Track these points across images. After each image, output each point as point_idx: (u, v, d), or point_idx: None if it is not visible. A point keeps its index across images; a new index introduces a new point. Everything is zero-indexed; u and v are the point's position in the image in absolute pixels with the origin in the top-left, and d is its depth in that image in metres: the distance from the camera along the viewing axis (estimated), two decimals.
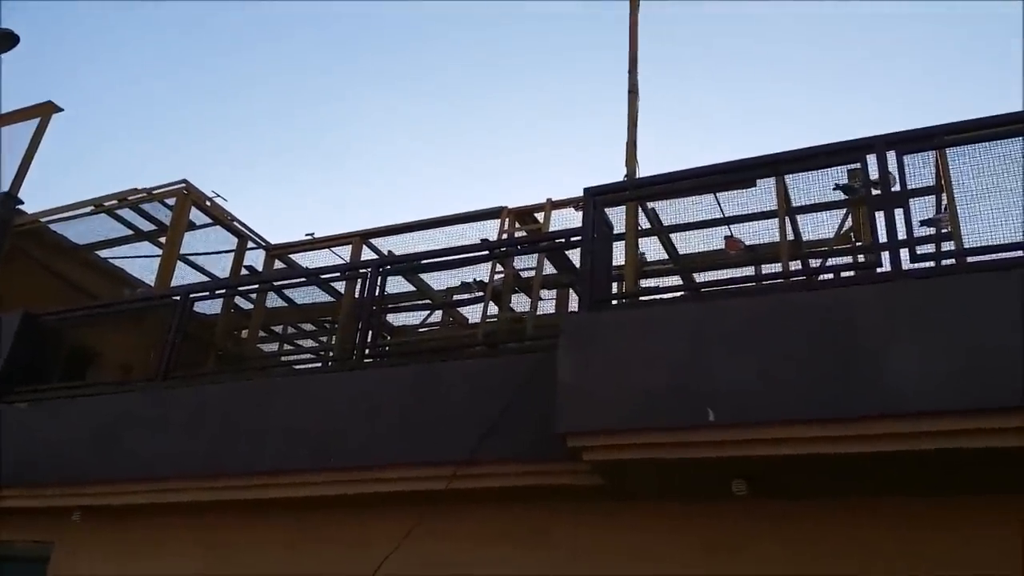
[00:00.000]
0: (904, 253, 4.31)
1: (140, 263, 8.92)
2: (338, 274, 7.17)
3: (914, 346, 3.85)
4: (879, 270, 4.51)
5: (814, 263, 6.51)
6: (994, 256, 4.27)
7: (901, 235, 4.35)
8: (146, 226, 8.57)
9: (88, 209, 8.38)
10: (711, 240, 6.52)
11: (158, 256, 8.38)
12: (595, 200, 5.13)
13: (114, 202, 8.30)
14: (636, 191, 5.36)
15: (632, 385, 4.36)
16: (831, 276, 5.18)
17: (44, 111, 8.73)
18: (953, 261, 4.53)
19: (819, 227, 6.50)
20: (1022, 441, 3.62)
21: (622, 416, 4.32)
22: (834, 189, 5.57)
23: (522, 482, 4.80)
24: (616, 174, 6.04)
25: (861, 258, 6.28)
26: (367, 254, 8.22)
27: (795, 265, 6.29)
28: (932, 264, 4.37)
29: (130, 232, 8.64)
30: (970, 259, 4.34)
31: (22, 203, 8.44)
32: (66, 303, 7.69)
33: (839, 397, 3.89)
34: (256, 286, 7.78)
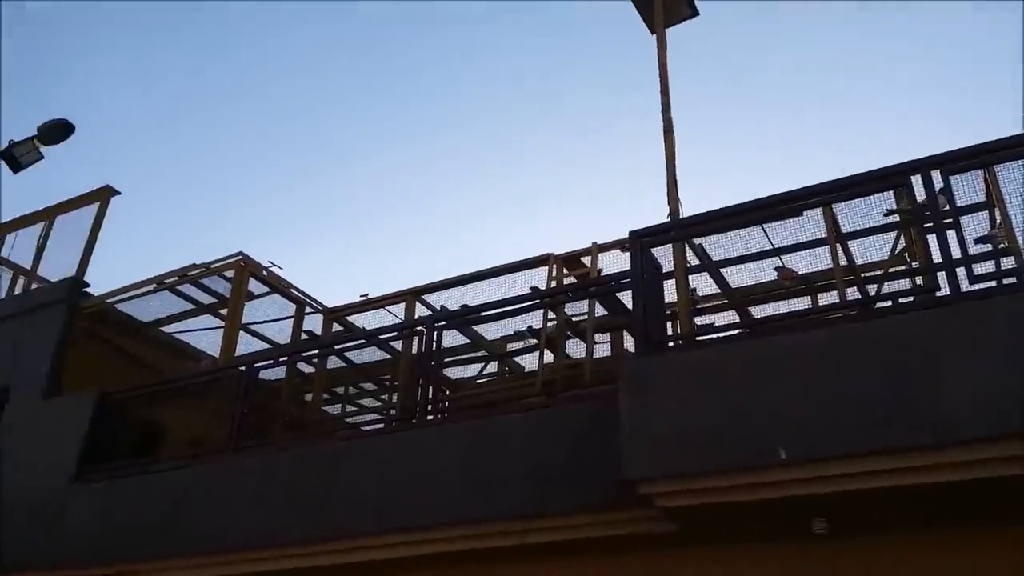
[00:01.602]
0: (961, 272, 4.26)
1: (203, 336, 9.18)
2: (395, 333, 7.28)
3: (974, 370, 3.77)
4: (938, 294, 4.44)
5: (870, 287, 6.42)
6: None
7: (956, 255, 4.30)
8: (206, 299, 8.83)
9: (150, 287, 8.67)
10: (762, 272, 6.49)
11: (220, 328, 8.61)
12: (641, 242, 5.17)
13: (175, 279, 8.58)
14: (682, 231, 5.38)
15: (697, 427, 4.35)
16: (889, 303, 5.11)
17: (102, 195, 9.11)
18: (1014, 279, 4.44)
19: (872, 250, 6.43)
20: None
21: (690, 460, 4.30)
22: (885, 215, 5.51)
23: (593, 533, 4.78)
24: (658, 208, 6.07)
25: (919, 280, 6.18)
26: (420, 310, 8.34)
27: (851, 290, 6.22)
28: (993, 283, 4.30)
29: (192, 307, 8.91)
30: None
31: (88, 286, 8.78)
32: (135, 380, 7.94)
33: (906, 427, 3.83)
34: (317, 351, 7.94)
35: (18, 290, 9.35)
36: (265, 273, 8.72)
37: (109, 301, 8.80)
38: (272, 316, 9.07)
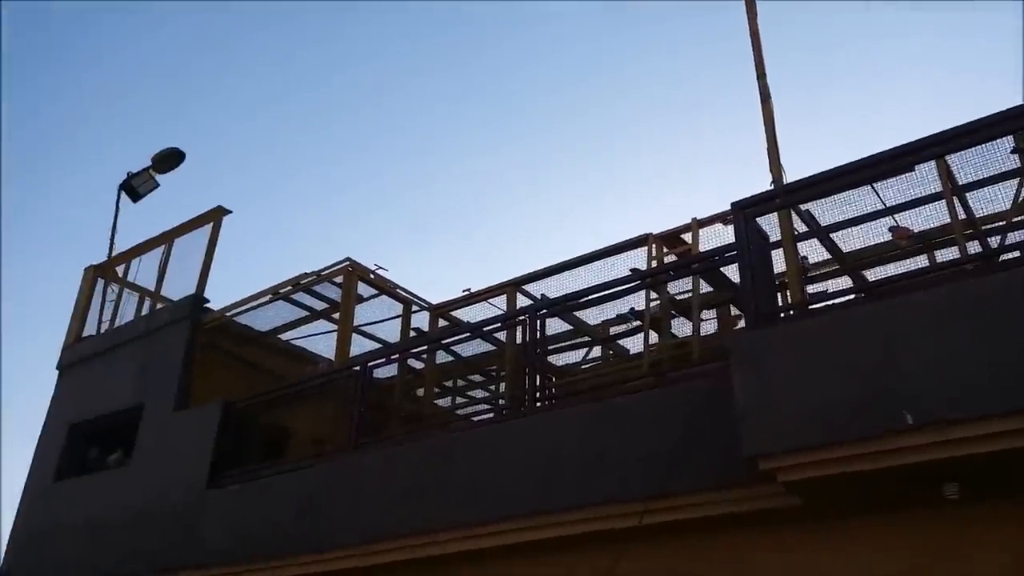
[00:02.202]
0: None
1: (318, 340, 9.52)
2: (498, 324, 7.36)
3: None
4: None
5: (992, 241, 6.05)
6: None
7: None
8: (319, 305, 9.15)
9: (266, 299, 9.05)
10: (875, 234, 6.22)
11: (334, 331, 8.91)
12: (745, 213, 5.04)
13: (288, 288, 8.93)
14: (787, 197, 5.21)
15: (816, 398, 4.21)
16: (1017, 253, 4.81)
17: (215, 215, 9.57)
18: None
19: (991, 202, 6.06)
20: None
21: (812, 431, 4.17)
22: (1012, 152, 5.18)
23: (715, 511, 4.70)
24: (758, 181, 5.90)
25: None
26: (521, 300, 8.39)
27: (972, 245, 5.89)
28: None
29: (306, 313, 9.25)
30: None
31: (208, 302, 9.23)
32: (257, 387, 8.31)
33: None
34: (425, 347, 8.11)
35: (144, 311, 9.93)
36: (372, 276, 8.97)
37: (228, 314, 9.22)
38: (381, 317, 9.33)
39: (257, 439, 7.95)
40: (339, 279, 8.78)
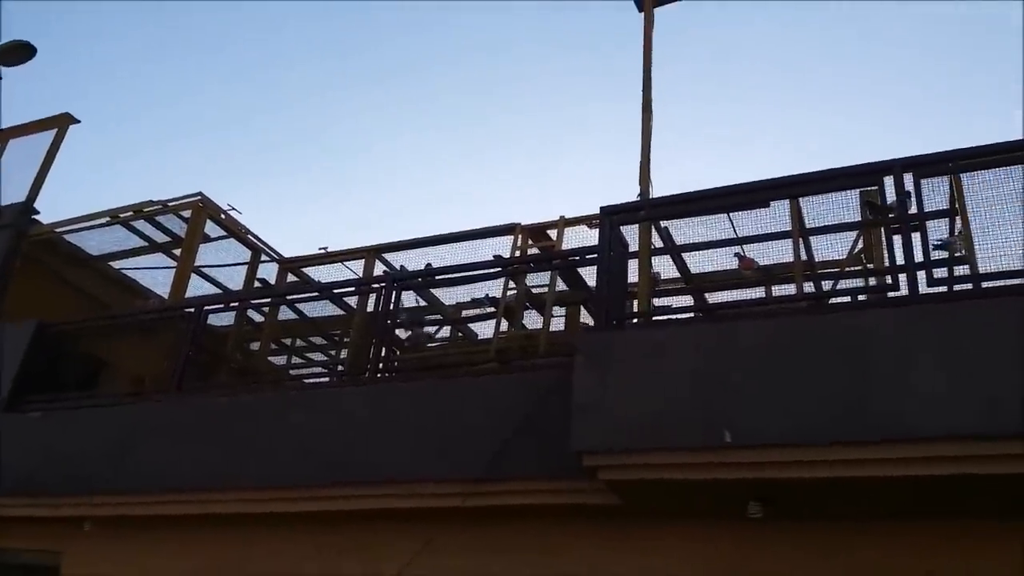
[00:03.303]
0: (921, 276, 4.34)
1: (155, 274, 8.97)
2: (352, 288, 7.20)
3: (929, 371, 3.86)
4: (893, 294, 4.53)
5: (826, 284, 6.53)
6: (1010, 281, 4.30)
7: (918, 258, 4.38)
8: (161, 238, 8.62)
9: (103, 220, 8.43)
10: (724, 259, 6.55)
11: (172, 268, 8.42)
12: (611, 219, 5.17)
13: (129, 213, 8.36)
14: (652, 211, 5.39)
15: (646, 404, 4.38)
16: (847, 299, 5.19)
17: (61, 123, 8.80)
18: (969, 285, 4.54)
19: (830, 248, 6.53)
20: None
21: (638, 436, 4.34)
22: (863, 204, 5.58)
23: (537, 500, 4.81)
24: (625, 190, 6.09)
25: (872, 281, 6.30)
26: (379, 268, 8.26)
27: (808, 286, 6.32)
28: (947, 288, 4.39)
29: (145, 244, 8.69)
30: (984, 284, 4.37)
31: (38, 213, 8.51)
32: (80, 313, 7.74)
33: (853, 421, 3.91)
34: (270, 299, 7.82)
35: None
36: (223, 216, 8.54)
37: (59, 230, 8.54)
38: (226, 261, 8.91)
39: (73, 369, 7.40)
40: (186, 213, 8.31)
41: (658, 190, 6.04)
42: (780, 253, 6.38)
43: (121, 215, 8.38)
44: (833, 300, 6.15)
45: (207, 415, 6.08)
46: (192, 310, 6.85)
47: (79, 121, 8.81)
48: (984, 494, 3.94)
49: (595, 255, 5.29)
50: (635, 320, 5.45)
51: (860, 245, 6.57)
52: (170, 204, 8.27)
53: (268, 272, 9.00)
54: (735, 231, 6.21)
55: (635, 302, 6.08)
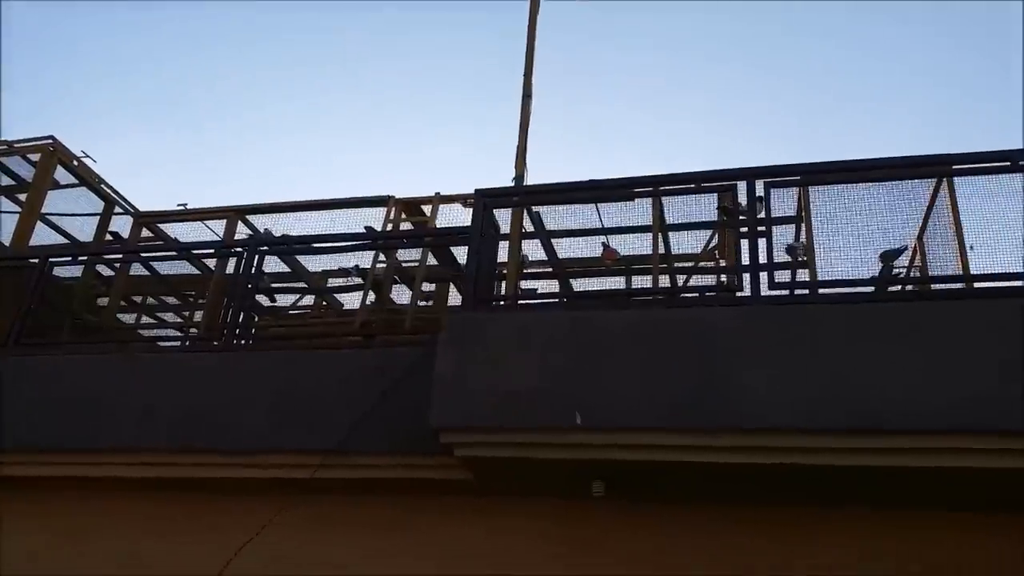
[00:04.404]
0: (763, 278, 4.69)
1: None
2: (211, 250, 6.96)
3: (761, 368, 4.20)
4: (739, 294, 4.87)
5: (681, 279, 6.89)
6: (844, 290, 4.73)
7: (762, 261, 4.73)
8: (5, 181, 8.01)
9: None
10: (590, 248, 6.79)
11: (14, 213, 7.85)
12: (485, 202, 5.26)
13: None
14: (526, 197, 5.54)
15: (506, 386, 4.52)
16: (696, 295, 5.52)
17: None
18: (807, 291, 4.94)
19: (688, 242, 6.90)
20: (850, 460, 4.03)
21: (494, 415, 4.47)
22: (718, 208, 5.91)
23: (391, 474, 4.88)
24: (498, 171, 6.21)
25: (723, 279, 6.71)
26: (242, 231, 8.00)
27: (664, 279, 6.65)
28: (787, 292, 4.77)
29: None
30: (821, 290, 4.77)
31: None
32: None
33: (694, 410, 4.20)
34: (122, 255, 7.44)
35: None
36: (75, 164, 8.02)
37: None
38: (75, 210, 8.38)
39: None
40: (35, 157, 7.77)
41: (532, 170, 6.23)
42: (642, 246, 6.70)
43: None
44: (685, 295, 6.50)
45: (44, 373, 5.75)
46: (36, 260, 6.43)
47: None
48: (808, 484, 4.35)
49: (467, 236, 5.37)
50: (501, 303, 5.58)
51: (715, 242, 6.97)
52: (16, 145, 7.70)
53: (121, 226, 8.54)
54: (601, 222, 6.45)
55: (503, 284, 6.23)
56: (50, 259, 6.45)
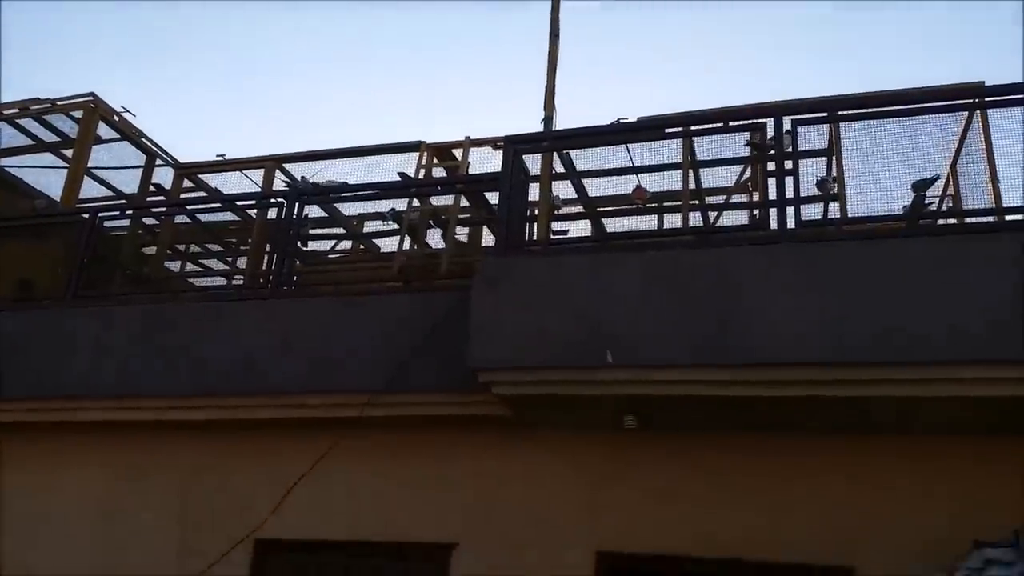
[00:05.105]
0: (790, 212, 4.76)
1: (38, 174, 8.60)
2: (253, 201, 7.16)
3: (786, 305, 4.31)
4: (764, 231, 4.93)
5: (712, 216, 6.94)
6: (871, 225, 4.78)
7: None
8: (49, 137, 8.25)
9: None
10: (621, 186, 6.85)
11: (60, 168, 8.11)
12: (516, 148, 5.36)
13: (15, 111, 7.95)
14: (555, 142, 5.62)
15: (540, 326, 4.70)
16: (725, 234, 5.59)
17: None
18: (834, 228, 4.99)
19: (720, 178, 6.92)
20: (869, 391, 4.17)
21: (528, 354, 4.67)
22: (746, 145, 5.92)
23: (434, 411, 5.14)
24: (530, 113, 6.23)
25: (756, 214, 6.73)
26: (279, 178, 8.17)
27: (695, 216, 6.70)
28: (813, 229, 4.83)
29: (32, 142, 8.31)
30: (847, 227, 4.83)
31: None
32: None
33: (720, 346, 4.35)
34: (166, 207, 7.68)
35: None
36: (116, 119, 8.23)
37: None
38: (119, 163, 8.62)
39: None
40: (77, 114, 7.98)
41: (561, 113, 6.27)
42: (673, 184, 6.73)
43: (6, 111, 7.97)
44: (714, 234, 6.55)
45: (104, 323, 6.05)
46: (87, 216, 6.70)
47: None
48: (830, 413, 4.50)
49: (498, 181, 5.49)
50: (533, 246, 5.72)
51: (747, 175, 6.96)
52: (59, 103, 7.91)
53: (163, 177, 8.77)
54: (632, 161, 6.50)
55: (535, 225, 6.34)
56: (100, 215, 6.70)
